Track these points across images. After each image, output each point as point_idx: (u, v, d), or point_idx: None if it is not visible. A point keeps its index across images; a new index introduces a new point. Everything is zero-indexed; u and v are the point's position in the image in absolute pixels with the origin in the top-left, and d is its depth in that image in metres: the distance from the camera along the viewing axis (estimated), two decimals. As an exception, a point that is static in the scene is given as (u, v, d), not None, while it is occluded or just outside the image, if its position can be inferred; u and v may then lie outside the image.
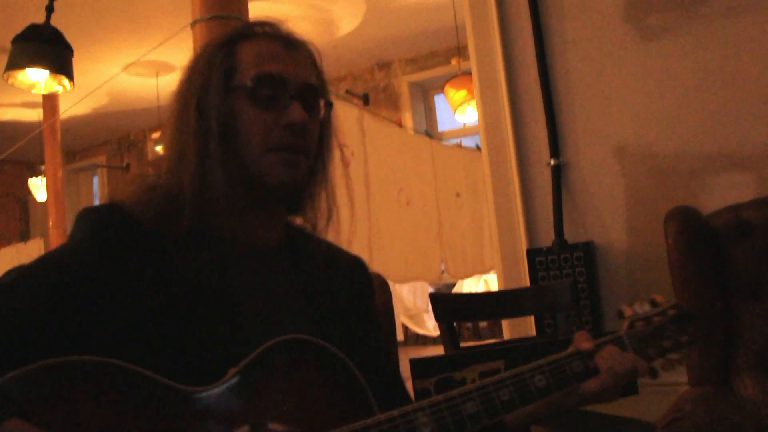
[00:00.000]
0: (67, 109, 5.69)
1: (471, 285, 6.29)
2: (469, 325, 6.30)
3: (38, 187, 7.44)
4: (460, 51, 5.41)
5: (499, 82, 2.44)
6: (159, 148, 7.12)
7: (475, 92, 2.60)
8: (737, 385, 1.59)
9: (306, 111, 0.94)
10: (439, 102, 7.12)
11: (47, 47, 3.61)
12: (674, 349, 0.98)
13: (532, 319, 2.29)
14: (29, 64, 3.63)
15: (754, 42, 2.10)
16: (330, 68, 1.04)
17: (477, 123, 2.68)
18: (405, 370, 1.13)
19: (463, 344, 2.05)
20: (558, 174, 2.31)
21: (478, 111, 2.56)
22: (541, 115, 2.35)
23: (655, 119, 2.22)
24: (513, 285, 2.38)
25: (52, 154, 5.71)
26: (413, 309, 6.35)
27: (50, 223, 5.72)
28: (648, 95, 2.23)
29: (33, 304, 0.80)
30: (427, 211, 4.45)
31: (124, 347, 0.81)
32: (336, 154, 1.04)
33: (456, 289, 6.39)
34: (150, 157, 8.00)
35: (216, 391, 0.78)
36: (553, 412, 0.95)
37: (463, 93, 5.28)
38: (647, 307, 1.00)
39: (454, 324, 1.99)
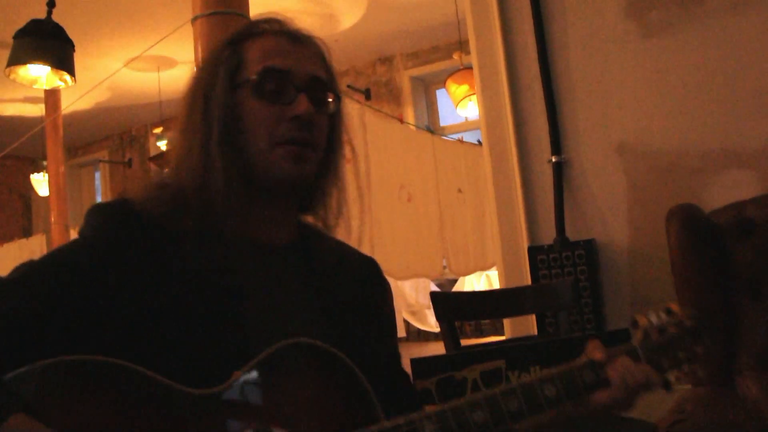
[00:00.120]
0: (69, 105, 5.68)
1: (473, 281, 6.28)
2: (471, 321, 6.29)
3: (40, 183, 7.43)
4: (462, 45, 5.39)
5: (500, 79, 2.43)
6: (161, 143, 7.12)
7: (476, 88, 2.59)
8: (739, 386, 1.58)
9: (313, 104, 0.93)
10: (441, 97, 7.10)
11: (49, 43, 3.62)
12: (689, 361, 0.96)
13: (533, 317, 2.28)
14: (31, 60, 3.63)
15: (757, 38, 2.09)
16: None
17: (478, 118, 2.67)
18: (406, 367, 1.12)
19: (465, 341, 2.05)
20: (559, 171, 2.30)
21: (479, 107, 2.55)
22: (543, 111, 2.34)
23: (657, 116, 2.21)
24: (514, 283, 2.37)
25: (54, 149, 5.70)
26: (415, 305, 6.34)
27: (52, 219, 5.73)
28: (650, 92, 2.22)
29: (42, 300, 0.79)
30: (429, 207, 4.44)
31: (130, 344, 0.80)
32: (347, 150, 1.03)
33: (458, 285, 6.39)
34: (152, 152, 7.99)
35: (220, 393, 0.78)
36: (562, 422, 0.93)
37: (464, 88, 5.26)
38: (663, 316, 0.97)
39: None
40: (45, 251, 6.59)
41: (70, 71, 3.75)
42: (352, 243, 1.06)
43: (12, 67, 3.65)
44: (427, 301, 6.26)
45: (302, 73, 0.93)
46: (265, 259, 0.95)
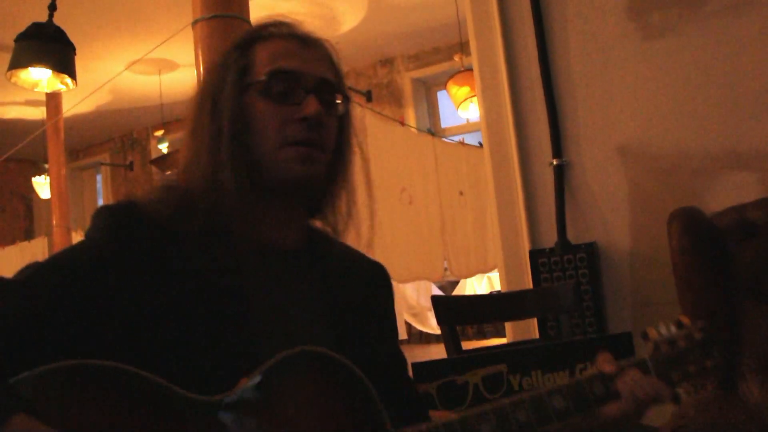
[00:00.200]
0: (70, 108, 5.69)
1: (474, 283, 6.27)
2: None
3: (42, 186, 7.44)
4: (463, 47, 5.39)
5: (501, 81, 2.43)
6: (162, 146, 7.13)
7: (476, 91, 2.59)
8: (742, 389, 1.57)
9: (322, 106, 0.92)
10: (442, 98, 7.10)
11: (50, 46, 3.62)
12: (699, 375, 0.96)
13: (535, 321, 2.28)
14: (32, 63, 3.63)
15: (758, 39, 2.08)
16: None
17: (479, 120, 2.66)
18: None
19: (467, 343, 2.04)
20: (560, 174, 2.30)
21: (479, 110, 2.55)
22: (543, 114, 2.34)
23: (659, 118, 2.20)
24: (516, 286, 2.36)
25: (56, 152, 5.71)
26: (416, 307, 6.34)
27: (54, 222, 5.73)
28: (651, 94, 2.21)
29: (47, 302, 0.79)
30: (430, 209, 4.44)
31: (135, 347, 0.80)
32: (356, 154, 1.02)
33: (459, 288, 6.38)
34: (153, 155, 8.00)
35: (227, 401, 0.77)
36: None
37: (465, 89, 5.25)
38: (673, 329, 0.97)
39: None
40: (47, 254, 6.61)
41: (72, 74, 3.75)
42: (363, 247, 1.05)
43: (13, 71, 3.65)
44: (428, 303, 6.24)
45: (311, 74, 0.94)
46: (272, 263, 0.94)
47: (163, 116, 7.17)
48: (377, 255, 1.07)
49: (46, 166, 6.14)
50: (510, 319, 2.34)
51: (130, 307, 0.82)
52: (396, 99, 7.06)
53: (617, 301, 2.21)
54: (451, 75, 5.42)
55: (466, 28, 2.73)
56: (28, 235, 8.82)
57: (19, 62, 3.59)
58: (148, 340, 0.81)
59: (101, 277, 0.82)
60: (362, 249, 1.06)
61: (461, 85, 5.25)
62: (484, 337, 6.10)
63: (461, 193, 4.74)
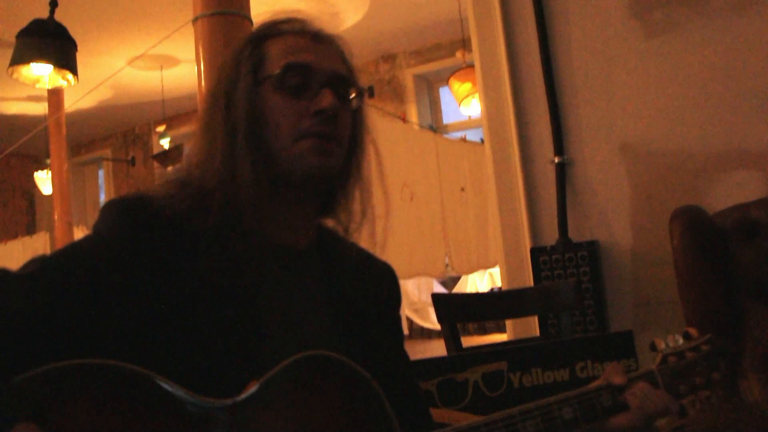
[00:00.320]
0: (72, 104, 5.69)
1: (476, 279, 6.28)
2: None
3: (44, 181, 7.45)
4: (465, 43, 5.38)
5: (503, 78, 2.42)
6: (164, 141, 7.13)
7: (478, 88, 2.58)
8: (743, 389, 1.57)
9: (337, 100, 0.92)
10: (444, 94, 7.09)
11: (51, 42, 3.61)
12: (705, 387, 0.96)
13: (535, 319, 2.28)
14: (33, 59, 3.63)
15: (762, 38, 2.07)
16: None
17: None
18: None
19: (468, 339, 2.04)
20: (562, 172, 2.29)
21: (481, 107, 2.54)
22: (545, 111, 2.33)
23: (661, 116, 2.19)
24: (517, 284, 2.36)
25: (58, 147, 5.71)
26: (418, 303, 6.34)
27: (56, 217, 5.73)
28: (653, 92, 2.20)
29: (55, 298, 0.77)
30: (431, 205, 4.44)
31: (143, 346, 0.79)
32: (370, 151, 1.01)
33: (461, 283, 6.38)
34: (155, 150, 8.00)
35: (236, 405, 0.76)
36: None
37: (468, 85, 5.25)
38: (680, 341, 0.98)
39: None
40: (48, 249, 6.62)
41: (73, 70, 3.75)
42: (377, 246, 1.04)
43: (15, 67, 3.65)
44: (429, 298, 6.22)
45: (324, 68, 0.93)
46: (284, 262, 0.93)
47: (164, 112, 7.18)
48: (378, 251, 1.06)
49: (48, 161, 6.15)
50: (510, 316, 2.34)
51: (139, 306, 0.80)
52: (398, 95, 7.05)
53: (618, 299, 2.21)
54: (453, 71, 5.41)
55: (468, 24, 2.72)
56: (30, 230, 8.83)
57: (20, 58, 3.59)
58: (157, 340, 0.80)
59: (110, 273, 0.80)
60: (377, 249, 1.04)
61: (463, 81, 5.24)
62: (485, 332, 6.11)
63: (463, 190, 4.74)
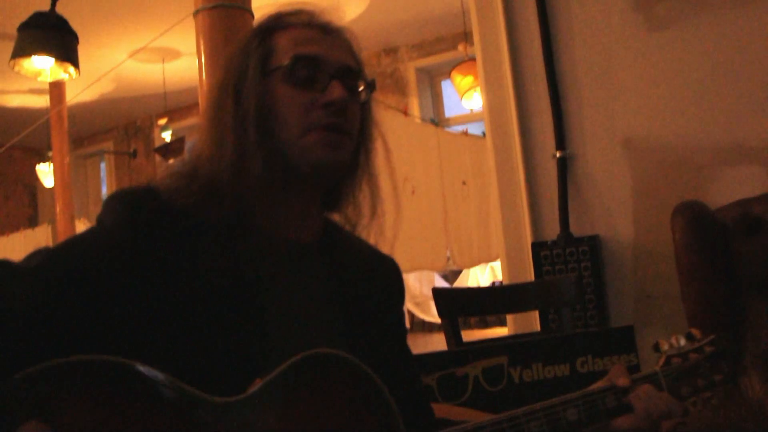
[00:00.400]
0: (74, 96, 5.68)
1: (477, 273, 6.28)
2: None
3: (46, 174, 7.45)
4: (467, 36, 5.36)
5: (504, 72, 2.41)
6: (165, 134, 7.13)
7: (479, 82, 2.57)
8: (744, 385, 1.57)
9: (346, 91, 0.91)
10: (446, 88, 7.07)
11: (53, 35, 3.61)
12: (707, 389, 0.97)
13: (536, 313, 2.28)
14: (35, 52, 3.63)
15: (765, 32, 2.06)
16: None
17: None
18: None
19: (469, 332, 2.04)
20: (564, 166, 2.29)
21: (482, 101, 2.53)
22: (547, 105, 2.32)
23: (664, 111, 2.19)
24: (517, 279, 2.36)
25: (60, 140, 5.71)
26: (419, 296, 6.34)
27: (58, 210, 5.74)
28: (656, 86, 2.20)
29: (59, 292, 0.76)
30: (433, 199, 4.43)
31: (148, 342, 0.78)
32: (379, 145, 1.00)
33: (462, 277, 6.38)
34: (157, 143, 8.00)
35: (241, 403, 0.75)
36: None
37: (469, 79, 5.24)
38: (683, 341, 0.98)
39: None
40: (50, 242, 6.62)
41: (74, 63, 3.75)
42: (387, 241, 1.02)
43: (16, 60, 3.65)
44: (431, 292, 6.23)
45: (334, 60, 0.92)
46: (289, 257, 0.92)
47: (166, 104, 7.17)
48: (379, 245, 1.05)
49: (50, 154, 6.15)
50: (511, 311, 2.34)
51: (144, 300, 0.79)
52: (400, 88, 7.03)
53: (619, 294, 2.21)
54: (455, 64, 5.40)
55: (470, 17, 2.71)
56: (32, 222, 8.84)
57: (22, 51, 3.59)
58: (161, 336, 0.79)
59: (116, 267, 0.79)
60: (386, 244, 1.03)
61: (465, 74, 5.23)
62: (487, 326, 6.11)
63: (464, 183, 4.73)
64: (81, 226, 5.81)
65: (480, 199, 4.80)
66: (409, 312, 6.43)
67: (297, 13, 0.96)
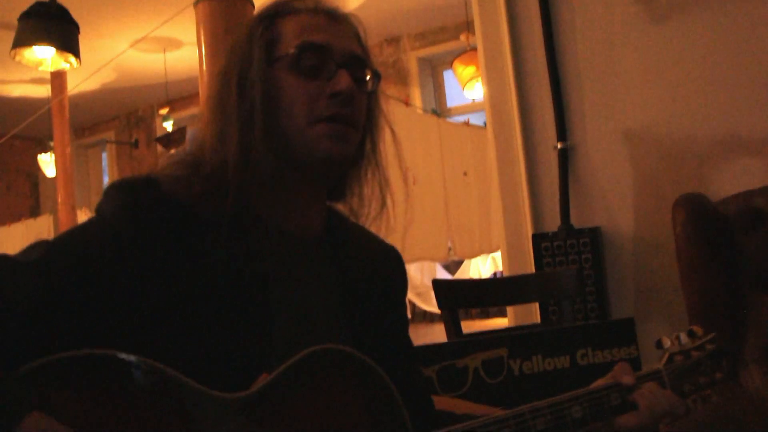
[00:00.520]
0: (75, 86, 5.67)
1: (478, 263, 6.28)
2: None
3: (47, 163, 7.45)
4: (470, 26, 5.33)
5: (506, 63, 2.40)
6: (167, 124, 7.12)
7: (481, 73, 2.56)
8: (744, 379, 1.57)
9: (353, 81, 0.88)
10: (448, 78, 7.05)
11: (53, 24, 3.61)
12: (708, 386, 0.97)
13: (536, 305, 2.28)
14: (36, 42, 3.63)
15: (767, 23, 2.05)
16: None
17: (484, 101, 2.64)
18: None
19: (470, 323, 2.04)
20: (565, 158, 2.28)
21: (483, 92, 2.53)
22: (548, 96, 2.32)
23: (665, 102, 2.18)
24: (518, 270, 2.36)
25: (61, 130, 5.70)
26: (421, 287, 6.34)
27: (59, 199, 5.74)
28: (658, 78, 2.19)
29: (60, 286, 0.73)
30: (434, 190, 4.43)
31: (151, 337, 0.76)
32: (386, 135, 0.98)
33: (464, 267, 6.39)
34: (158, 132, 7.99)
35: (246, 399, 0.74)
36: None
37: (471, 69, 5.22)
38: (685, 339, 0.99)
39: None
40: (52, 231, 6.61)
41: (75, 53, 3.74)
42: (397, 233, 1.00)
43: (17, 49, 3.64)
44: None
45: (341, 48, 0.89)
46: (293, 250, 0.90)
47: (168, 94, 7.15)
48: (398, 237, 1.04)
49: (52, 144, 6.14)
50: (511, 303, 2.34)
51: (145, 295, 0.77)
52: (402, 78, 7.01)
53: (620, 286, 2.21)
54: (457, 54, 5.37)
55: (472, 7, 2.69)
56: (34, 212, 8.85)
57: (23, 41, 3.59)
58: (164, 330, 0.77)
59: (118, 260, 0.77)
60: (397, 234, 1.01)
61: (467, 64, 5.21)
62: (488, 316, 6.12)
63: (465, 174, 4.73)
64: (82, 216, 5.81)
65: (481, 189, 4.79)
66: (411, 302, 6.44)
67: None
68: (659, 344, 0.99)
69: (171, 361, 0.72)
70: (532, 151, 2.36)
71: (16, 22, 3.58)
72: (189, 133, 6.41)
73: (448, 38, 6.70)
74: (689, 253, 1.68)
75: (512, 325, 2.41)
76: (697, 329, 1.00)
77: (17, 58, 3.72)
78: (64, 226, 5.53)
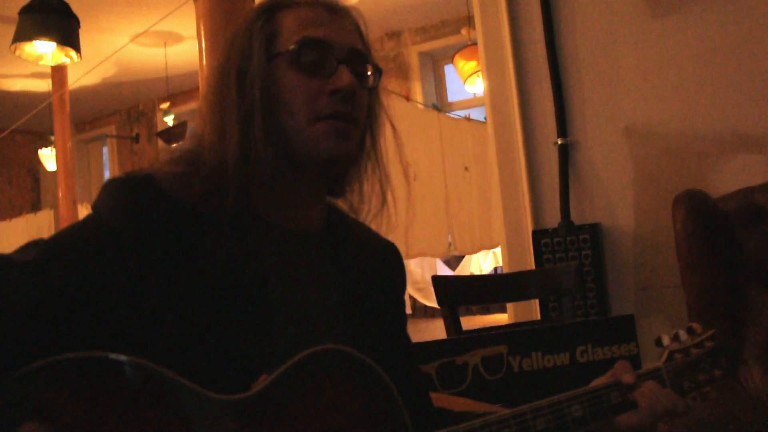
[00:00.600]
0: (76, 81, 5.67)
1: (479, 258, 6.28)
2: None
3: (48, 158, 7.45)
4: (471, 20, 5.30)
5: (506, 58, 2.39)
6: (168, 118, 7.12)
7: (481, 67, 2.55)
8: (744, 376, 1.57)
9: (354, 77, 0.87)
10: (449, 72, 7.03)
11: (54, 19, 3.60)
12: (708, 383, 0.97)
13: (536, 302, 2.27)
14: (36, 36, 3.61)
15: (769, 19, 2.04)
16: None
17: (485, 97, 2.63)
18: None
19: (470, 318, 2.04)
20: (565, 153, 2.27)
21: (484, 87, 2.52)
22: (549, 92, 2.31)
23: (666, 98, 2.17)
24: (518, 266, 2.36)
25: (62, 124, 5.70)
26: (421, 282, 6.35)
27: (60, 194, 5.75)
28: (658, 73, 2.18)
29: (57, 287, 0.72)
30: (435, 185, 4.43)
31: (150, 338, 0.75)
32: (387, 130, 0.96)
33: (464, 263, 6.39)
34: (159, 127, 7.99)
35: (246, 400, 0.73)
36: None
37: (472, 64, 5.20)
38: (684, 336, 0.99)
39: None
40: (53, 226, 6.61)
41: (76, 47, 3.73)
42: (399, 229, 0.99)
43: (18, 44, 3.63)
44: (433, 278, 6.24)
45: (342, 44, 0.87)
46: (294, 248, 0.89)
47: (168, 89, 7.15)
48: (401, 234, 1.04)
49: (53, 138, 6.14)
50: (511, 299, 2.34)
51: (143, 295, 0.76)
52: (403, 72, 7.00)
53: (620, 283, 2.21)
54: (459, 49, 5.36)
55: (473, 1, 2.68)
56: (35, 207, 8.86)
57: (23, 35, 3.58)
58: (165, 331, 0.76)
59: (116, 260, 0.75)
60: (399, 231, 1.00)
61: (468, 59, 5.19)
62: (488, 312, 6.12)
63: (466, 169, 4.72)
64: (83, 210, 5.81)
65: (482, 184, 4.79)
66: (411, 297, 6.44)
67: None
68: (659, 342, 0.99)
69: (170, 361, 0.71)
70: (533, 147, 2.35)
71: (16, 17, 3.57)
72: (189, 128, 6.41)
73: (449, 33, 6.69)
74: (689, 249, 1.68)
75: (512, 321, 2.40)
76: (697, 326, 1.00)
77: (18, 52, 3.71)
78: (65, 221, 5.54)
